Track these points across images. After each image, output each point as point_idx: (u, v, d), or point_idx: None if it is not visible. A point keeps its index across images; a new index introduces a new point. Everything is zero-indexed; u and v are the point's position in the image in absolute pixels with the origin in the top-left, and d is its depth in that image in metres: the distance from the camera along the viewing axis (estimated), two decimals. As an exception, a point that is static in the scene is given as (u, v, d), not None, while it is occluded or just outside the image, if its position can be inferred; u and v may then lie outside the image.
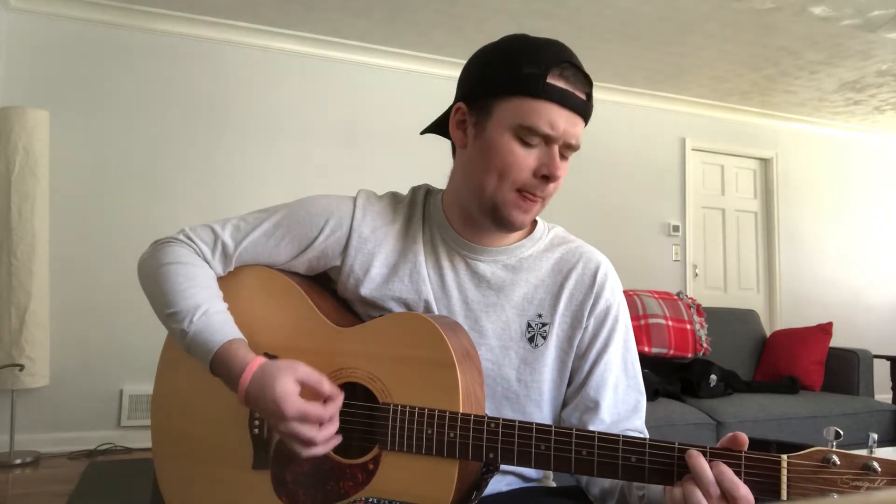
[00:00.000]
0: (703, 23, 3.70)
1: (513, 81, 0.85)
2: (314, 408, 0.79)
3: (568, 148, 0.87)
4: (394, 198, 1.02)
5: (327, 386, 0.82)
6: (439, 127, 0.99)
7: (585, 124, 0.90)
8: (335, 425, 0.82)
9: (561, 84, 0.84)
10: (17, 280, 3.10)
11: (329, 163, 4.01)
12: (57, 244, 3.37)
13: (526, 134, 0.85)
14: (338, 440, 0.83)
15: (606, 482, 0.91)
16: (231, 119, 3.83)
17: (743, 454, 0.71)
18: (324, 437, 0.80)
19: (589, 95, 0.88)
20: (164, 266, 0.92)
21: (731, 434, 0.74)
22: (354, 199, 0.98)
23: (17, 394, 3.15)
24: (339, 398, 0.83)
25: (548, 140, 0.86)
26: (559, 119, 0.84)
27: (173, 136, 3.70)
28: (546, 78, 0.84)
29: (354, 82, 4.14)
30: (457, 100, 0.94)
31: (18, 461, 3.06)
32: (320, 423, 0.80)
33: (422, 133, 1.05)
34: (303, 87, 4.01)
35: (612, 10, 3.56)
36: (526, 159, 0.86)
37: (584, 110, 0.87)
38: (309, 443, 0.80)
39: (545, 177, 0.86)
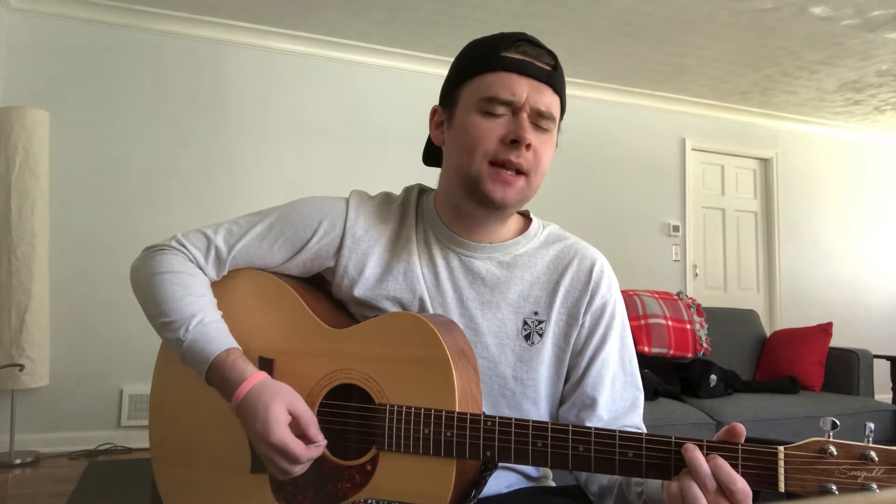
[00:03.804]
0: (703, 23, 3.70)
1: (472, 65, 0.90)
2: (296, 446, 0.79)
3: (540, 116, 0.87)
4: (387, 198, 1.01)
5: (314, 430, 0.82)
6: (432, 154, 1.01)
7: (560, 96, 0.90)
8: (306, 467, 0.82)
9: (517, 55, 0.87)
10: (17, 280, 3.10)
11: (329, 163, 4.01)
12: (57, 244, 3.37)
13: (488, 105, 0.86)
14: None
15: (605, 479, 0.90)
16: (231, 119, 3.83)
17: (740, 447, 0.71)
18: (294, 472, 0.81)
19: (554, 66, 0.88)
20: (157, 275, 0.91)
21: (728, 426, 0.73)
22: (347, 200, 0.98)
23: (17, 394, 3.15)
24: (322, 446, 0.83)
25: (513, 109, 0.86)
26: (519, 86, 0.86)
27: (173, 136, 3.70)
28: (500, 52, 0.86)
29: (354, 82, 4.14)
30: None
31: (18, 461, 3.06)
32: (296, 462, 0.80)
33: (426, 164, 1.05)
34: (302, 87, 4.00)
35: (612, 10, 3.56)
36: (492, 129, 0.87)
37: (547, 77, 0.87)
38: (281, 472, 0.81)
39: (514, 142, 0.86)
